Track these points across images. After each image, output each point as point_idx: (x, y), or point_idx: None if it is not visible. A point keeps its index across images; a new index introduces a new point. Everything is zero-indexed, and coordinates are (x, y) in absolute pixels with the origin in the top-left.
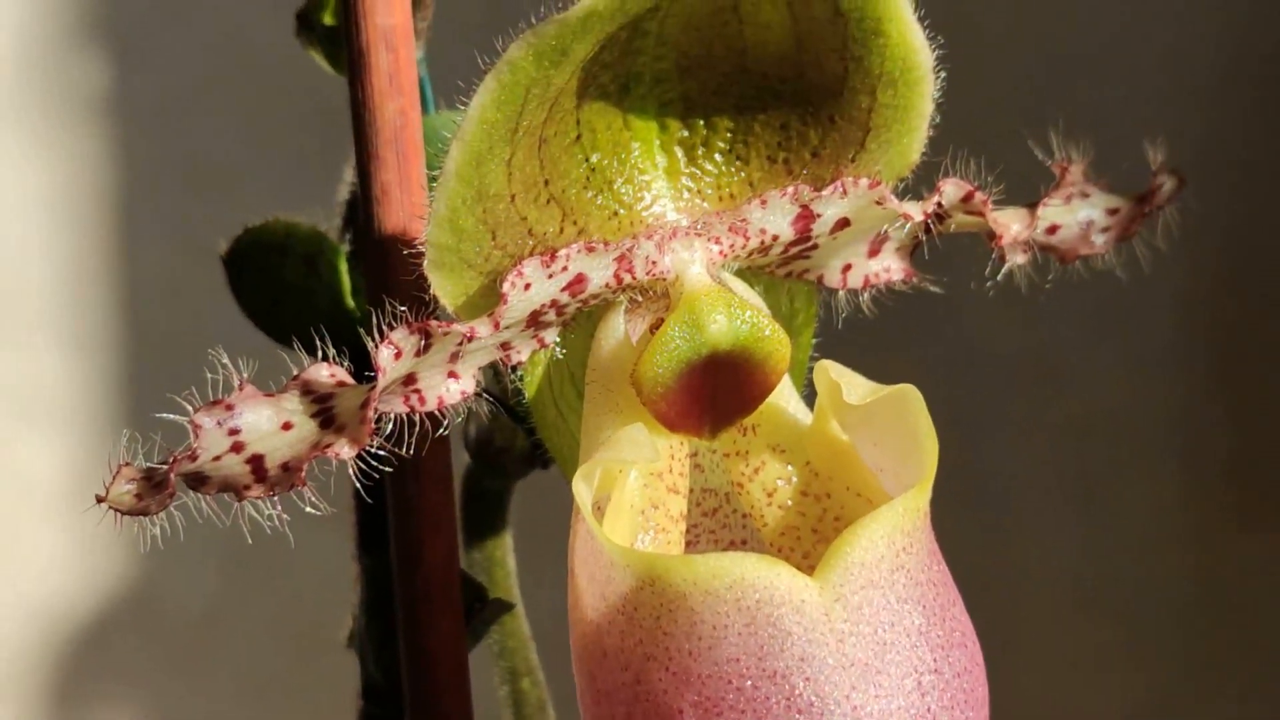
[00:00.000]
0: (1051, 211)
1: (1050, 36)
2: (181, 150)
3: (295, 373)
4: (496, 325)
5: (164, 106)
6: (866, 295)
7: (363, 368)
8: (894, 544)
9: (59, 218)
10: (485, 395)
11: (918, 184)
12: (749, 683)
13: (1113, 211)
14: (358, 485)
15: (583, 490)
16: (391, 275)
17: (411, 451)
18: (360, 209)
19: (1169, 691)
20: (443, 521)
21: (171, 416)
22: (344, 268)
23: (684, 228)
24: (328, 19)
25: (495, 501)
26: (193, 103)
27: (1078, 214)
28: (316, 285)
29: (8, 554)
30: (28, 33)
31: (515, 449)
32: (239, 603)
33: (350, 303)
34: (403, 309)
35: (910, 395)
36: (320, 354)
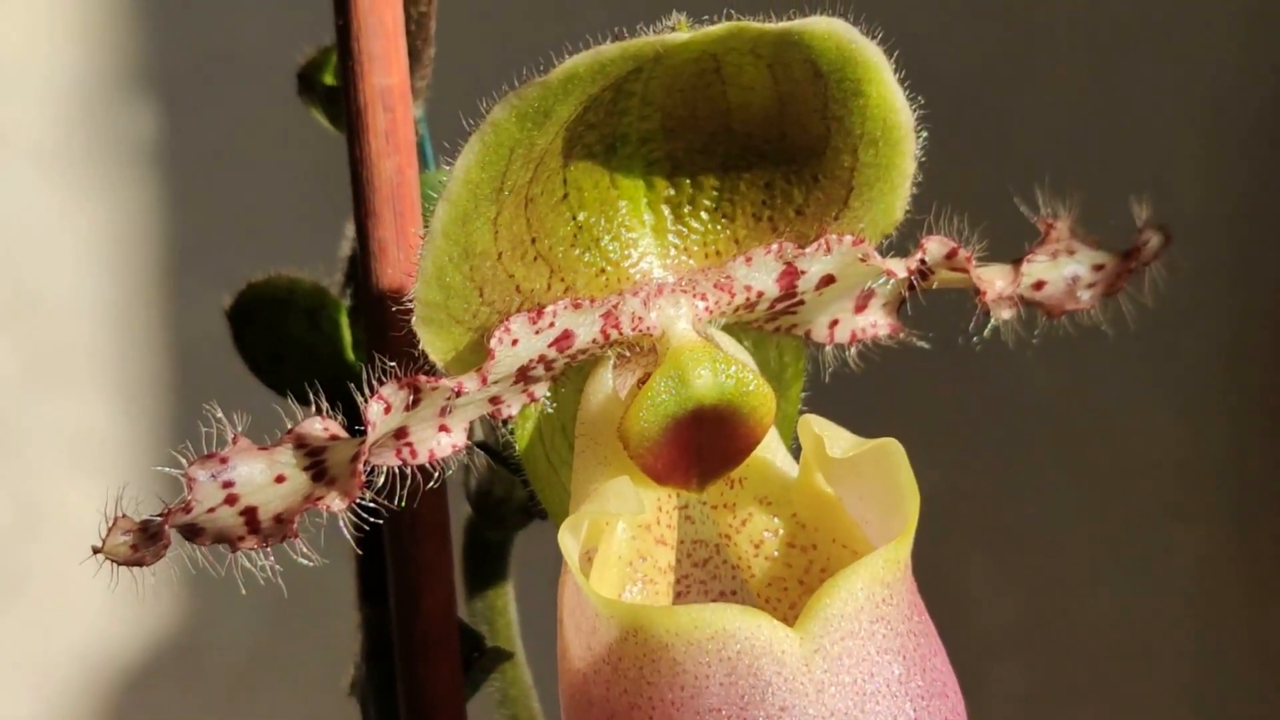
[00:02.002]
0: (1037, 268)
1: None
2: (231, 200)
3: (290, 426)
4: (484, 380)
5: (213, 156)
6: (853, 350)
7: (361, 422)
8: (874, 595)
9: (109, 266)
10: (480, 447)
11: (905, 240)
12: None
13: (1099, 268)
14: (349, 537)
15: (569, 542)
16: (388, 331)
17: (406, 504)
18: (359, 265)
19: None
20: (440, 572)
21: (167, 470)
22: (345, 323)
23: (670, 284)
24: (328, 79)
25: (496, 552)
26: (242, 153)
27: (1063, 270)
28: (318, 340)
29: (56, 600)
30: (79, 83)
31: (514, 500)
32: (284, 650)
33: (351, 357)
34: (392, 364)
35: (892, 449)
36: (315, 407)
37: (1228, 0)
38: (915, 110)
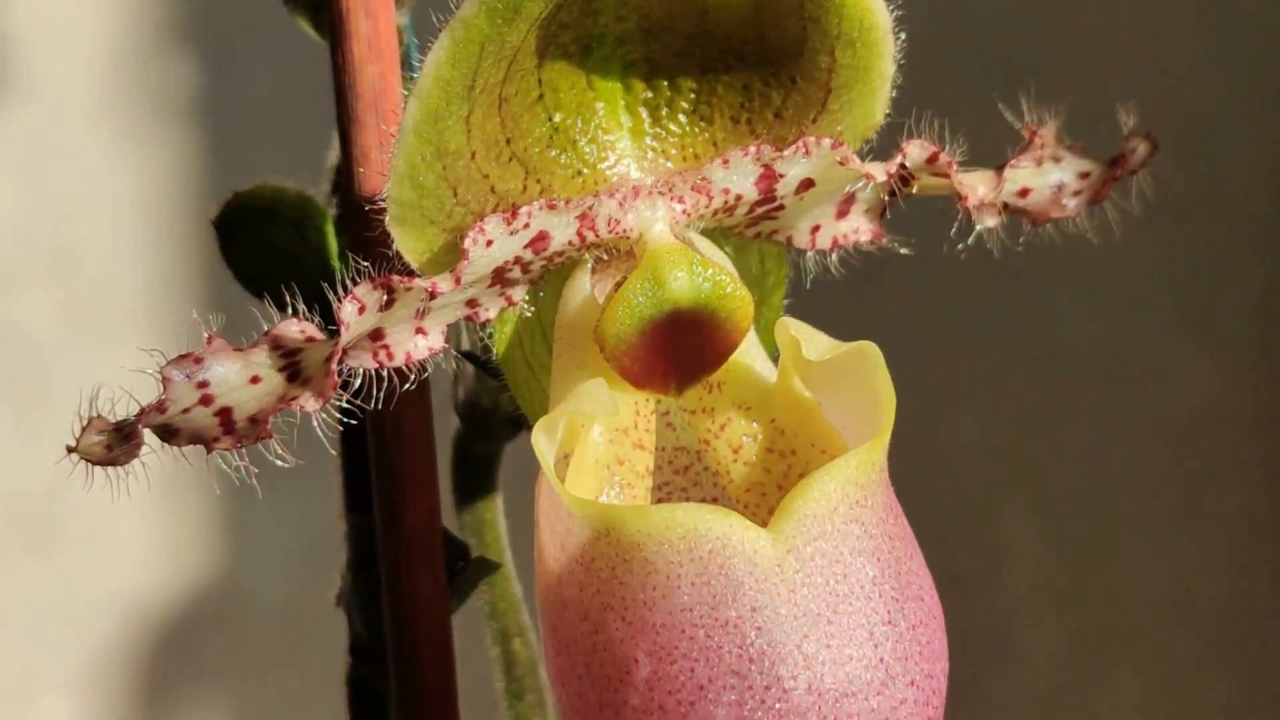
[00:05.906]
0: (1022, 174)
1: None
2: (270, 153)
3: (266, 328)
4: (458, 281)
5: (253, 109)
6: (835, 256)
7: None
8: (848, 496)
9: (149, 220)
10: (465, 356)
11: (888, 145)
12: (702, 631)
13: (1084, 175)
14: (325, 441)
15: (543, 442)
16: (364, 232)
17: (391, 413)
18: (342, 172)
19: (1264, 694)
20: (424, 483)
21: (139, 369)
22: (331, 231)
23: (647, 186)
24: None
25: (485, 464)
26: (281, 106)
27: (1049, 177)
28: (304, 249)
29: (97, 547)
30: (118, 38)
31: (501, 411)
32: (321, 596)
33: (338, 265)
34: (366, 265)
35: (869, 352)
36: (291, 310)
37: None
38: (894, 12)
